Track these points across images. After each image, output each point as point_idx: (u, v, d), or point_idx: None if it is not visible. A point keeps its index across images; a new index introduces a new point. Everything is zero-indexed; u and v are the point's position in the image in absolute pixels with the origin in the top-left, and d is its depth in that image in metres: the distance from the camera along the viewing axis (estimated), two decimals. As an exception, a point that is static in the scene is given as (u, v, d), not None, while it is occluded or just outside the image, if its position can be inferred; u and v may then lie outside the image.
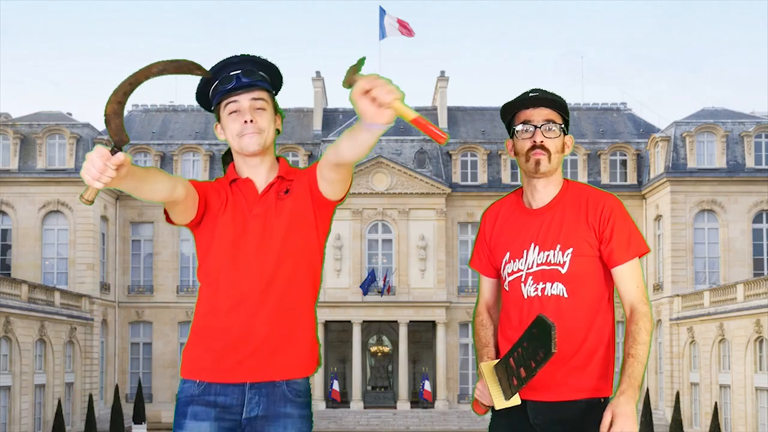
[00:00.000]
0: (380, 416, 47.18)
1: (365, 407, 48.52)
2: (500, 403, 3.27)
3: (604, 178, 49.55)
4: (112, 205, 49.18)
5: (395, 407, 48.38)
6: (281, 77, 3.25)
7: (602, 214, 3.36)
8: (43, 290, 40.85)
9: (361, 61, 2.62)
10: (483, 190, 48.94)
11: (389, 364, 51.27)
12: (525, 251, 3.37)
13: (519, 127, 3.36)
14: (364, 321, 49.00)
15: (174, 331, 48.70)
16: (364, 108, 2.60)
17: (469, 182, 50.03)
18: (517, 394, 3.24)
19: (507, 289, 3.41)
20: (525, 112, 3.38)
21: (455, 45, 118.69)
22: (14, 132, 46.62)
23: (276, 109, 3.22)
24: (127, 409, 44.79)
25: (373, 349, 51.52)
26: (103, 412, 45.11)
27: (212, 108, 3.23)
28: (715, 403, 38.47)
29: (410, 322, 48.76)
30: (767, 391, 36.35)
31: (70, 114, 50.30)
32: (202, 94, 3.23)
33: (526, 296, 3.34)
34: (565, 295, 3.31)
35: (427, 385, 47.85)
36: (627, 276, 3.34)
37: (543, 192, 3.40)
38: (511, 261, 3.39)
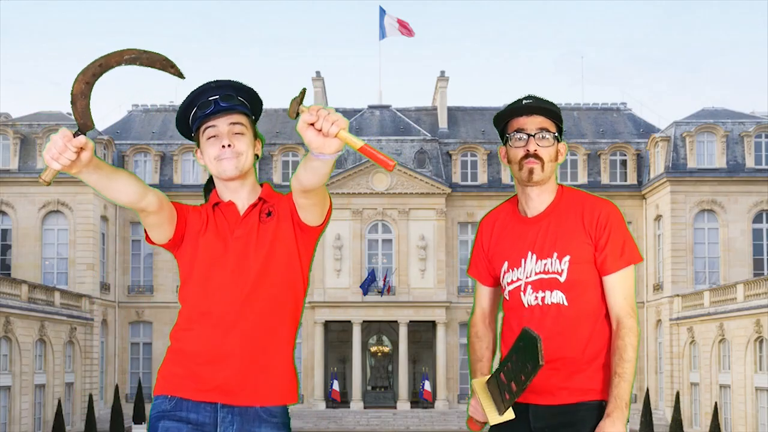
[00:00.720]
0: (380, 416, 47.19)
1: (365, 407, 48.53)
2: (494, 418, 3.27)
3: (604, 178, 49.57)
4: (112, 205, 49.18)
5: (395, 407, 48.39)
6: (261, 102, 3.22)
7: (599, 220, 3.34)
8: (43, 290, 40.85)
9: (303, 92, 2.63)
10: (483, 190, 48.95)
11: (389, 364, 51.28)
12: (523, 260, 3.35)
13: (512, 135, 3.37)
14: (364, 321, 49.01)
15: (174, 331, 48.69)
16: (310, 139, 2.62)
17: (469, 182, 50.03)
18: (511, 408, 3.24)
19: (507, 298, 3.41)
20: (518, 120, 3.38)
21: (455, 45, 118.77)
22: (14, 132, 46.63)
23: (255, 134, 3.19)
24: (127, 409, 44.80)
25: (373, 349, 51.53)
26: (103, 412, 45.12)
27: (192, 134, 3.21)
28: (715, 403, 38.48)
29: (410, 322, 48.77)
30: (767, 391, 36.36)
31: (70, 114, 50.06)
32: (181, 121, 3.21)
33: (526, 305, 3.34)
34: (565, 303, 3.31)
35: (427, 385, 47.86)
36: (616, 286, 3.32)
37: (537, 200, 3.39)
38: (510, 270, 3.38)
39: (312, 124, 2.61)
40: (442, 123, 52.77)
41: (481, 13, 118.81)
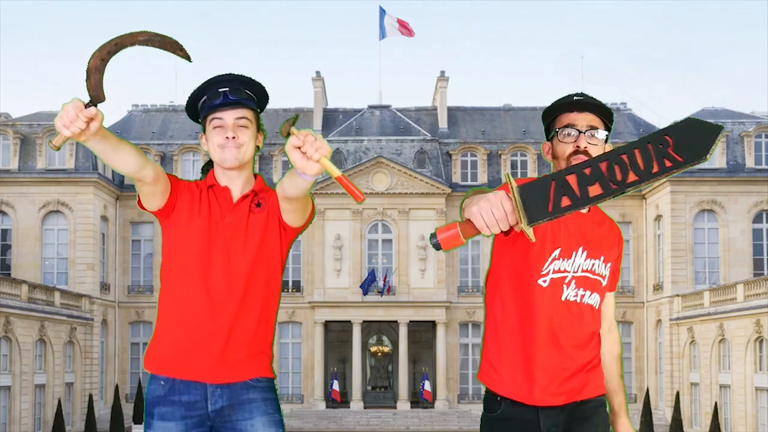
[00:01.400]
0: (380, 416, 47.18)
1: (365, 407, 48.52)
2: (525, 225, 2.75)
3: (604, 178, 49.57)
4: (112, 205, 49.19)
5: (395, 407, 48.38)
6: (267, 96, 3.42)
7: (619, 242, 3.40)
8: (43, 290, 40.86)
9: (296, 118, 2.80)
10: (483, 190, 48.90)
11: (389, 364, 51.28)
12: (574, 253, 3.26)
13: (561, 131, 3.26)
14: (364, 321, 49.00)
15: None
16: (294, 160, 2.82)
17: (469, 182, 50.01)
18: (533, 230, 2.78)
19: (545, 285, 3.24)
20: (568, 116, 3.27)
21: (455, 45, 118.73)
22: (14, 132, 46.63)
23: (259, 127, 3.39)
24: (127, 409, 44.79)
25: (373, 349, 51.53)
26: (103, 412, 45.12)
27: (199, 120, 3.41)
28: (715, 403, 38.48)
29: (410, 322, 48.76)
30: (767, 391, 36.36)
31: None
32: (191, 107, 3.40)
33: (563, 299, 3.26)
34: (597, 307, 3.33)
35: (427, 385, 47.85)
36: (610, 302, 3.47)
37: None
38: (560, 259, 3.25)
39: (298, 147, 2.79)
40: (442, 123, 52.76)
41: (481, 13, 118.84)
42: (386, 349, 51.57)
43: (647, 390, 44.57)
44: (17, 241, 46.23)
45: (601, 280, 3.29)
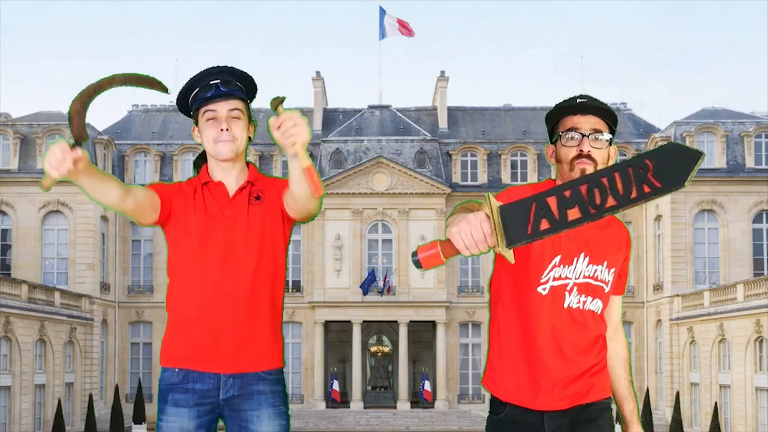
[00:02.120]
0: (380, 416, 47.18)
1: (365, 407, 48.52)
2: (503, 248, 2.73)
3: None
4: (112, 205, 49.16)
5: (395, 407, 48.38)
6: (256, 87, 3.48)
7: (628, 243, 3.36)
8: (43, 290, 40.85)
9: (283, 99, 2.90)
10: (483, 190, 48.77)
11: (389, 364, 51.28)
12: (575, 259, 3.23)
13: (564, 134, 3.22)
14: (364, 321, 49.00)
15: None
16: (276, 138, 2.90)
17: (469, 182, 50.02)
18: (512, 252, 2.75)
19: (544, 293, 3.22)
20: (572, 119, 3.22)
21: (455, 45, 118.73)
22: (14, 132, 46.63)
23: (250, 118, 3.46)
24: (127, 409, 44.78)
25: (373, 349, 51.53)
26: (103, 412, 45.12)
27: (191, 113, 3.46)
28: (715, 403, 38.48)
29: (410, 322, 48.76)
30: (767, 391, 36.36)
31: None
32: (182, 100, 3.46)
33: (566, 306, 3.23)
34: (599, 312, 3.29)
35: (427, 385, 47.86)
36: (617, 305, 3.44)
37: None
38: (561, 266, 3.22)
39: (278, 127, 2.88)
40: (442, 123, 52.76)
41: (481, 13, 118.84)
42: (386, 349, 51.57)
43: (647, 390, 44.59)
44: (17, 241, 46.23)
45: (604, 287, 3.26)
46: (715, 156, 46.47)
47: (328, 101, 56.08)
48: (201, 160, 3.55)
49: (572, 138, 3.19)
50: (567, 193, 2.71)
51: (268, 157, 49.49)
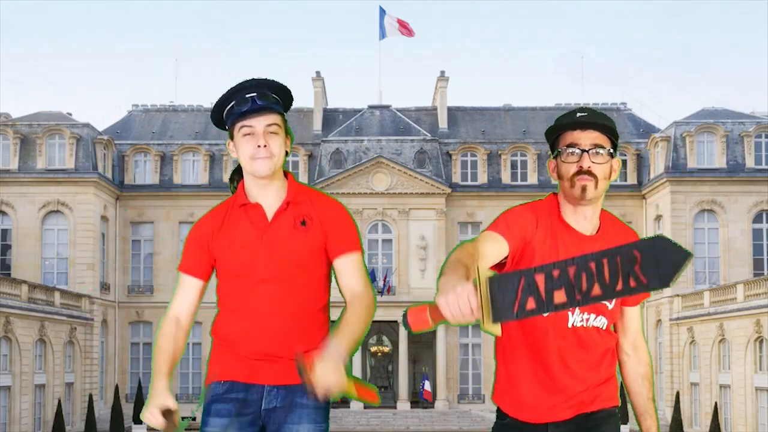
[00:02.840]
0: (380, 416, 47.19)
1: (365, 407, 48.51)
2: (488, 323, 2.64)
3: (604, 178, 49.60)
4: (112, 205, 49.19)
5: (395, 407, 48.40)
6: (292, 99, 3.38)
7: None
8: (43, 290, 40.86)
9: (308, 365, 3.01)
10: (483, 190, 48.94)
11: (389, 364, 51.29)
12: None
13: (564, 150, 3.19)
14: (364, 321, 48.99)
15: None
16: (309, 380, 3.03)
17: (469, 182, 50.03)
18: (500, 325, 2.68)
19: (547, 314, 3.06)
20: (572, 134, 3.18)
21: (455, 45, 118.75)
22: (14, 132, 46.63)
23: (287, 131, 3.35)
24: (127, 409, 44.78)
25: (373, 349, 51.54)
26: (103, 412, 45.12)
27: (226, 127, 3.36)
28: (715, 403, 38.48)
29: (410, 322, 48.72)
30: (767, 391, 36.36)
31: (70, 114, 50.31)
32: (217, 113, 3.36)
33: (570, 325, 3.22)
34: (604, 329, 3.27)
35: (427, 385, 47.87)
36: (635, 317, 3.39)
37: (591, 219, 3.28)
38: None
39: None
40: (442, 123, 52.77)
41: (481, 13, 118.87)
42: (386, 349, 51.58)
43: (647, 390, 44.55)
44: (17, 241, 46.24)
45: (608, 303, 3.24)
46: (715, 156, 46.49)
47: (328, 101, 56.08)
48: (237, 175, 3.45)
49: (572, 154, 3.16)
50: (555, 273, 2.65)
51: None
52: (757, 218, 46.15)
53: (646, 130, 51.92)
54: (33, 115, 48.77)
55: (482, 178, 49.95)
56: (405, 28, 53.05)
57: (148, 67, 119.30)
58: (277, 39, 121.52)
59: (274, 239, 3.28)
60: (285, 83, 3.36)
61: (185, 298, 3.44)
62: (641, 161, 49.86)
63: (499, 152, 50.12)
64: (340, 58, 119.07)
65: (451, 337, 49.12)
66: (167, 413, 3.19)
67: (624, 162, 50.04)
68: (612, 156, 3.20)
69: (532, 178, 49.22)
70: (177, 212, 49.04)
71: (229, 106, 3.29)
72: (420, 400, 48.37)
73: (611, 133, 3.20)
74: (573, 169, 3.15)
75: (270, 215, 3.32)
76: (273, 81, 3.32)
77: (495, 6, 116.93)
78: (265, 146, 3.24)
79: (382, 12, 53.04)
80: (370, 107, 53.77)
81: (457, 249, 2.96)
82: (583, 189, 3.14)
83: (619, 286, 2.63)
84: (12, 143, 46.61)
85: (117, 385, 45.81)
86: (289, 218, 3.31)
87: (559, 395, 3.23)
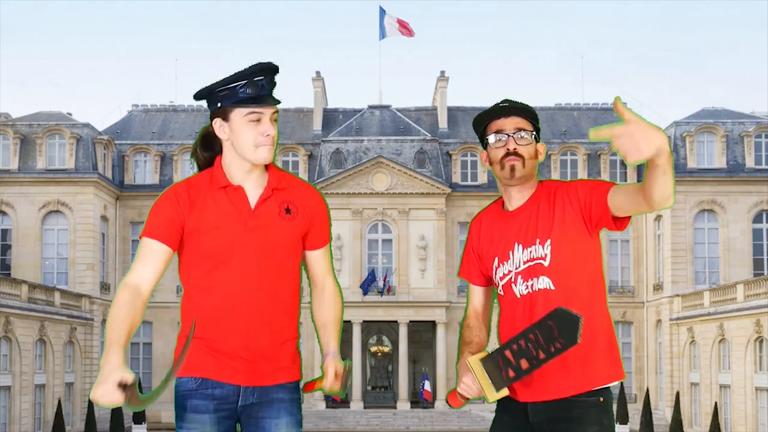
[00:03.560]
0: (380, 416, 47.19)
1: (365, 407, 48.53)
2: (492, 395, 3.30)
3: (604, 178, 49.53)
4: (112, 205, 49.19)
5: (395, 407, 48.39)
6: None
7: (568, 188, 3.39)
8: (43, 290, 40.86)
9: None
10: (483, 190, 48.93)
11: (389, 364, 51.29)
12: (510, 252, 3.42)
13: (492, 137, 3.43)
14: (364, 321, 49.01)
15: (174, 331, 48.64)
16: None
17: (469, 182, 50.04)
18: (505, 389, 3.30)
19: (502, 293, 3.47)
20: (497, 122, 3.45)
21: (455, 45, 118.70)
22: (14, 132, 46.63)
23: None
24: (127, 410, 44.72)
25: (373, 349, 51.53)
26: (103, 412, 45.10)
27: (219, 105, 3.22)
28: (715, 403, 38.46)
29: (410, 322, 48.76)
30: (767, 391, 36.36)
31: (70, 114, 50.31)
32: (214, 90, 3.21)
33: (518, 295, 3.39)
34: (552, 287, 3.33)
35: (427, 385, 47.86)
36: (621, 187, 3.33)
37: (519, 196, 3.46)
38: (501, 264, 3.45)
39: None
40: (442, 123, 52.77)
41: (481, 13, 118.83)
42: (386, 349, 51.57)
43: (647, 390, 44.54)
44: (17, 241, 46.23)
45: (542, 261, 3.34)
46: (715, 156, 46.50)
47: (328, 101, 56.07)
48: (202, 149, 3.34)
49: (500, 140, 3.42)
50: (515, 347, 3.22)
51: (268, 157, 49.51)
52: (757, 218, 46.14)
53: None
54: (33, 115, 48.76)
55: (482, 178, 49.94)
56: (405, 28, 53.04)
57: (148, 67, 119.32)
58: (277, 39, 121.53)
59: (259, 226, 3.21)
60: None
61: (151, 266, 3.31)
62: (642, 166, 49.79)
63: (499, 152, 50.12)
64: (340, 58, 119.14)
65: (451, 337, 49.11)
66: (125, 387, 3.00)
67: (624, 162, 50.00)
68: (536, 140, 3.45)
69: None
70: (177, 212, 48.98)
71: (236, 87, 3.18)
72: (420, 400, 48.36)
73: (533, 118, 3.46)
74: (501, 152, 3.41)
75: (253, 201, 3.25)
76: (276, 67, 3.26)
77: (495, 6, 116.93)
78: (271, 135, 3.22)
79: (382, 12, 53.03)
80: (370, 107, 53.77)
81: (462, 325, 3.62)
82: (512, 168, 3.38)
83: (553, 349, 3.16)
84: (12, 143, 46.61)
85: (117, 385, 45.75)
86: (273, 205, 3.25)
87: (535, 375, 3.30)
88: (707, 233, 46.07)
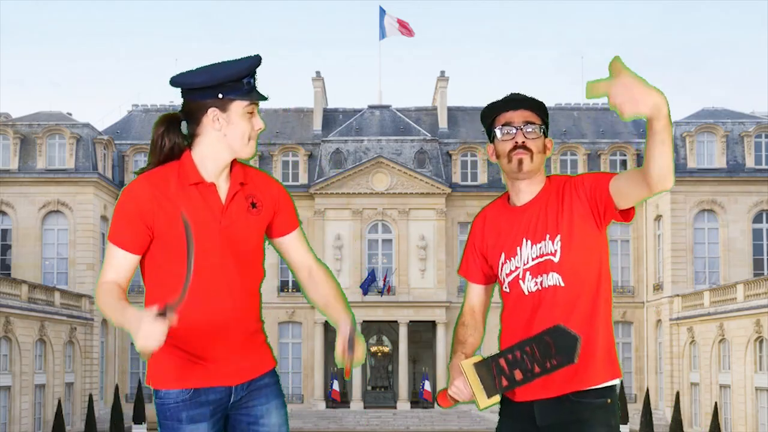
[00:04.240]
0: (380, 416, 47.19)
1: (365, 407, 48.52)
2: (483, 401, 3.26)
3: (604, 178, 49.60)
4: (112, 205, 49.03)
5: (395, 407, 48.38)
6: None
7: (576, 182, 3.34)
8: (43, 290, 40.86)
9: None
10: (483, 190, 48.94)
11: (389, 364, 51.28)
12: (518, 248, 3.34)
13: (499, 130, 3.37)
14: (364, 321, 48.98)
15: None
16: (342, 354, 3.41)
17: (469, 182, 50.04)
18: (497, 396, 3.26)
19: (508, 290, 3.37)
20: (505, 115, 3.37)
21: (455, 45, 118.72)
22: (14, 132, 46.63)
23: None
24: (127, 409, 44.77)
25: (373, 349, 51.52)
26: (103, 412, 45.10)
27: (219, 95, 3.12)
28: (715, 403, 38.47)
29: (410, 322, 48.76)
30: (767, 391, 36.35)
31: (70, 114, 50.31)
32: (214, 78, 3.11)
33: (527, 292, 3.31)
34: (562, 284, 3.28)
35: (427, 385, 47.85)
36: (623, 173, 3.29)
37: (527, 191, 3.39)
38: (507, 261, 3.36)
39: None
40: (442, 123, 52.76)
41: (481, 13, 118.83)
42: (386, 349, 51.57)
43: (647, 390, 44.56)
44: (17, 241, 46.23)
45: (552, 258, 3.28)
46: (715, 156, 46.49)
47: (328, 101, 56.06)
48: (175, 136, 3.20)
49: (507, 133, 3.35)
50: (510, 357, 3.18)
51: (268, 156, 49.48)
52: (757, 218, 46.14)
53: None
54: (33, 115, 48.77)
55: (482, 178, 49.95)
56: (405, 28, 53.03)
57: (148, 67, 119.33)
58: (277, 39, 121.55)
59: (230, 223, 3.15)
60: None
61: (120, 271, 3.12)
62: (641, 161, 49.51)
63: (499, 152, 50.14)
64: (340, 58, 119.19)
65: (450, 337, 49.07)
66: (163, 315, 2.83)
67: (624, 162, 50.07)
68: (545, 134, 3.38)
69: (532, 178, 49.26)
70: (177, 212, 49.00)
71: (240, 79, 3.11)
72: (420, 400, 48.35)
73: (541, 112, 3.39)
74: (509, 145, 3.34)
75: (223, 196, 3.17)
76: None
77: (495, 6, 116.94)
78: (261, 128, 3.20)
79: (382, 12, 53.03)
80: (370, 107, 53.77)
81: (457, 322, 3.53)
82: (520, 162, 3.32)
83: (548, 365, 3.12)
84: (12, 143, 46.61)
85: (117, 385, 45.78)
86: (241, 201, 3.19)
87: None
88: (707, 233, 46.06)
